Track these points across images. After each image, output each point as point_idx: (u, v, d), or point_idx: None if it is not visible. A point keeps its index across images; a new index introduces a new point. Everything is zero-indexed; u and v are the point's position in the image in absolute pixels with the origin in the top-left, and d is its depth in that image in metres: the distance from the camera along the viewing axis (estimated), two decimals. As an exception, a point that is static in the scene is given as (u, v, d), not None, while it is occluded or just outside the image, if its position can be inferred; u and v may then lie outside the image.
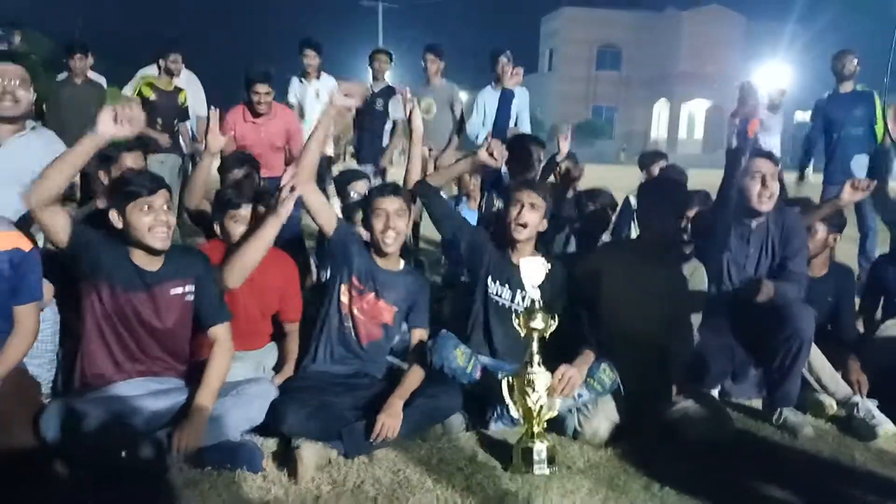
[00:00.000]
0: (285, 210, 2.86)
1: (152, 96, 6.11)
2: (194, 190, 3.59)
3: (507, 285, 3.20)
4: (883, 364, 3.36)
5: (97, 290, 2.63)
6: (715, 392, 3.28)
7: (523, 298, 3.10)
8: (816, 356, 3.23)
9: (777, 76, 30.93)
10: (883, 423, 3.02)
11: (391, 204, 3.04)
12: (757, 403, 3.30)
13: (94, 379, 2.65)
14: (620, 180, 7.41)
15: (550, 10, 45.96)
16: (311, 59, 6.34)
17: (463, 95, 7.43)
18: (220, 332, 2.82)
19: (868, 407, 3.11)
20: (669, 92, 42.25)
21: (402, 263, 3.21)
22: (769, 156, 3.32)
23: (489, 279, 3.22)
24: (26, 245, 2.65)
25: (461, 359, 2.91)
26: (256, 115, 5.03)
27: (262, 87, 4.95)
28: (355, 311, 3.07)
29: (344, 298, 3.07)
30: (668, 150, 37.25)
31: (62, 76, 6.44)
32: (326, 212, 3.07)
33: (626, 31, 43.87)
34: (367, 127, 6.51)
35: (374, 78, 6.59)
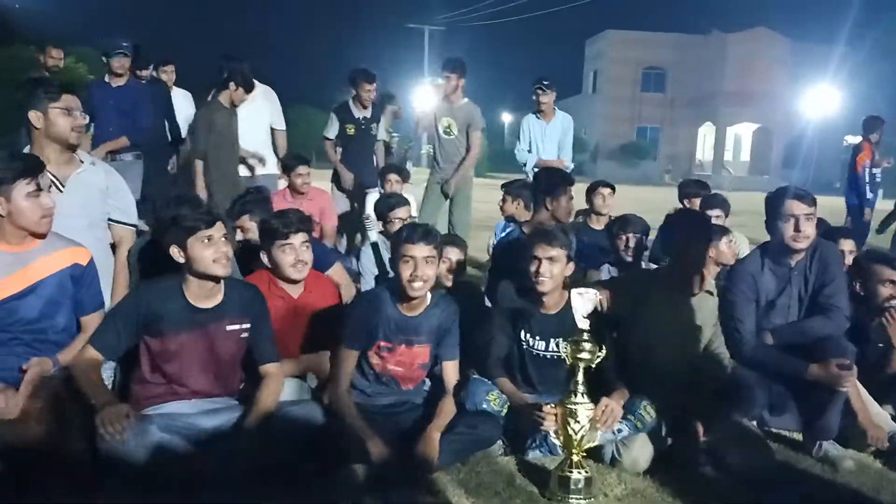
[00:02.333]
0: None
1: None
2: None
3: (538, 336, 3.18)
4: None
5: (151, 337, 2.74)
6: (753, 423, 3.27)
7: (557, 345, 3.12)
8: (859, 389, 3.19)
9: (824, 99, 30.43)
10: (928, 460, 2.97)
11: (420, 251, 2.92)
12: (797, 435, 3.27)
13: (149, 400, 2.76)
14: (664, 202, 7.37)
15: (595, 32, 45.95)
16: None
17: (507, 117, 7.55)
18: (272, 370, 2.90)
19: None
20: (715, 114, 41.73)
21: (428, 297, 3.09)
22: (802, 196, 3.23)
23: (522, 332, 3.21)
24: (84, 259, 2.83)
25: (495, 403, 2.98)
26: (296, 194, 5.47)
27: (303, 170, 5.44)
28: (391, 367, 3.06)
29: (375, 360, 3.05)
30: (714, 172, 36.91)
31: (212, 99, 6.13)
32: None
33: (670, 52, 43.56)
34: (362, 152, 6.57)
35: (363, 104, 6.49)
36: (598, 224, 5.34)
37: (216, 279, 2.77)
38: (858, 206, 7.92)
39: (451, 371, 3.12)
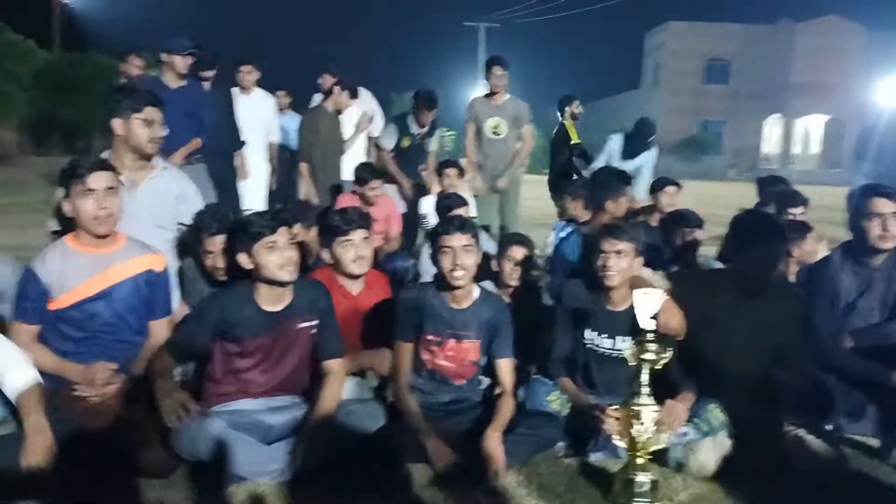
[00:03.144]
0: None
1: None
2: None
3: (604, 334, 3.14)
4: None
5: (224, 341, 2.81)
6: (829, 427, 3.16)
7: (622, 343, 3.06)
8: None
9: (903, 88, 29.04)
10: None
11: (458, 241, 2.95)
12: (874, 441, 3.14)
13: (219, 395, 2.84)
14: (729, 198, 7.15)
15: (655, 24, 45.04)
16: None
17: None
18: (336, 367, 2.95)
19: None
20: (782, 106, 40.37)
21: (475, 291, 3.12)
22: (889, 194, 3.12)
23: (586, 330, 3.17)
24: (159, 266, 2.95)
25: (556, 404, 2.96)
26: (367, 203, 5.41)
27: (375, 183, 5.39)
28: (441, 363, 3.08)
29: (425, 357, 3.08)
30: (781, 165, 35.73)
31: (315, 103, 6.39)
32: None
33: (735, 43, 42.31)
34: (413, 164, 6.49)
35: (420, 123, 6.32)
36: None
37: (283, 284, 2.81)
38: None
39: (505, 370, 3.09)
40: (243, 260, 2.80)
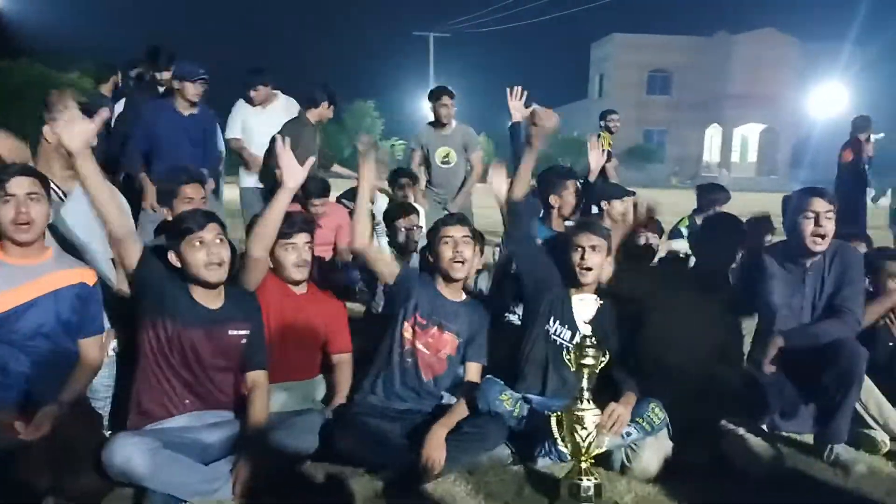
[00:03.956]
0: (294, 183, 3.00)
1: None
2: (265, 236, 3.02)
3: (566, 325, 3.18)
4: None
5: (157, 324, 2.72)
6: (764, 426, 3.24)
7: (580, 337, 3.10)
8: (871, 391, 3.15)
9: (832, 99, 30.33)
10: (942, 462, 2.94)
11: (458, 231, 3.12)
12: (808, 438, 3.23)
13: (150, 412, 2.74)
14: (673, 205, 7.33)
15: (600, 36, 45.98)
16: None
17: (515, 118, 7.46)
18: (261, 378, 2.89)
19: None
20: (721, 115, 41.66)
21: (464, 294, 3.26)
22: (822, 192, 3.24)
23: (551, 319, 3.20)
24: (91, 279, 2.83)
25: (508, 403, 2.96)
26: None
27: (318, 201, 5.11)
28: (419, 346, 3.13)
29: (407, 334, 3.13)
30: (720, 173, 36.76)
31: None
32: (386, 262, 3.22)
33: (676, 55, 43.53)
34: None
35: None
36: None
37: (210, 285, 2.75)
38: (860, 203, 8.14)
39: (474, 374, 3.18)
40: (172, 258, 2.74)
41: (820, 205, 3.19)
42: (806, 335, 3.21)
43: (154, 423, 2.72)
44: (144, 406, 2.75)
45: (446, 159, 6.16)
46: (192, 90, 5.04)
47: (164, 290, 2.72)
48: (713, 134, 43.86)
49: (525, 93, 3.82)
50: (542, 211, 4.39)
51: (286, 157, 3.01)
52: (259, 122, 5.88)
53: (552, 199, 4.28)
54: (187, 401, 2.77)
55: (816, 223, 3.17)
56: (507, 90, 3.84)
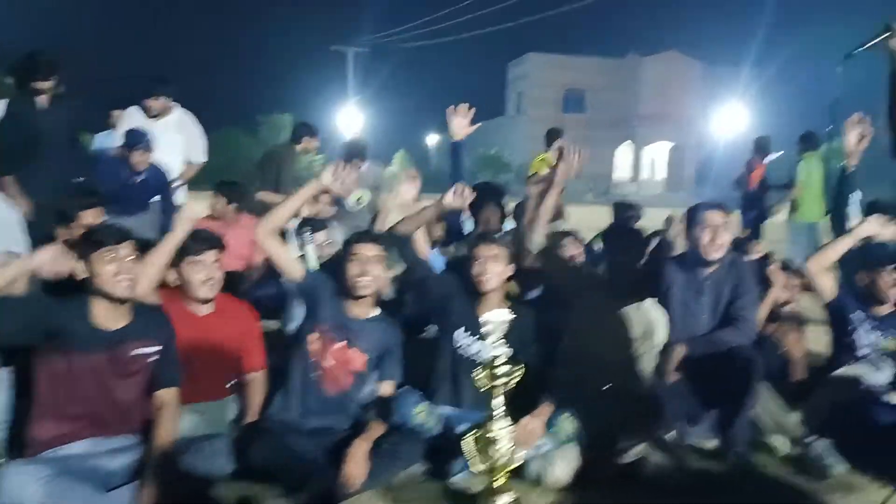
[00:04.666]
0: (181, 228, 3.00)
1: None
2: (149, 275, 2.95)
3: (475, 337, 3.21)
4: (838, 403, 3.46)
5: (51, 357, 2.59)
6: (671, 435, 3.35)
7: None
8: (769, 397, 3.31)
9: (735, 118, 32.01)
10: (836, 464, 3.09)
11: (368, 250, 3.09)
12: (712, 445, 3.34)
13: (47, 440, 2.60)
14: (588, 220, 7.55)
15: (517, 55, 47.01)
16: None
17: (432, 138, 7.55)
18: (170, 397, 2.79)
19: (822, 447, 3.16)
20: (633, 134, 43.33)
21: (376, 310, 3.24)
22: (719, 206, 3.44)
23: (460, 331, 3.23)
24: None
25: (422, 416, 2.95)
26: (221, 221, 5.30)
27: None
28: (325, 360, 3.08)
29: (314, 346, 3.09)
30: (632, 189, 38.13)
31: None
32: (289, 258, 3.14)
33: (590, 75, 45.04)
34: None
35: None
36: None
37: (118, 300, 2.65)
38: (758, 220, 8.53)
39: (387, 391, 3.14)
40: (79, 268, 2.62)
41: (716, 218, 3.37)
42: (706, 343, 3.36)
43: (51, 450, 2.57)
44: (41, 433, 2.60)
45: (359, 200, 6.20)
46: (138, 157, 5.07)
47: (53, 327, 2.57)
48: (625, 152, 45.48)
49: (472, 109, 3.78)
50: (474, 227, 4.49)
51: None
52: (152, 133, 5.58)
53: (476, 214, 4.33)
54: (87, 427, 2.64)
55: (713, 234, 3.34)
56: (451, 107, 3.78)
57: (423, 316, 3.76)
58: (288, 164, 6.55)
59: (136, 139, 5.07)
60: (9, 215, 3.45)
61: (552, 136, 8.14)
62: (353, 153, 6.32)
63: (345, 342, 3.10)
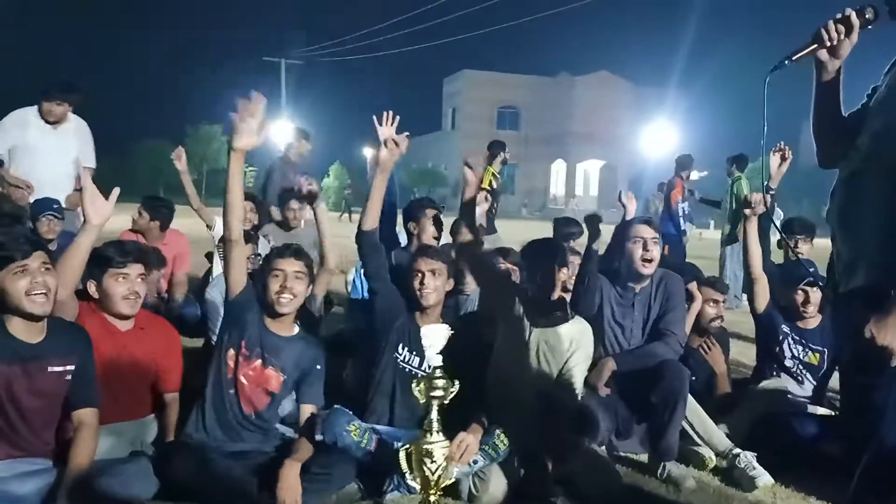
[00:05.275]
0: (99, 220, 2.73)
1: None
2: (66, 276, 2.67)
3: (414, 352, 3.18)
4: (762, 415, 3.56)
5: None
6: (602, 448, 3.37)
7: (429, 366, 3.08)
8: (696, 411, 3.38)
9: (663, 137, 33.12)
10: (762, 475, 3.16)
11: (290, 265, 2.99)
12: (643, 457, 3.40)
13: None
14: (523, 235, 7.65)
15: (452, 71, 47.48)
16: None
17: (368, 151, 7.49)
18: (88, 417, 2.64)
19: (748, 459, 3.24)
20: (566, 151, 44.28)
21: (295, 329, 3.14)
22: (649, 221, 3.54)
23: (399, 345, 3.20)
24: None
25: (355, 433, 2.88)
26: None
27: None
28: (241, 378, 2.98)
29: (230, 363, 2.98)
30: (565, 205, 38.92)
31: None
32: (241, 272, 3.01)
33: (523, 93, 45.88)
34: None
35: None
36: None
37: (34, 317, 2.49)
38: (676, 236, 8.86)
39: (307, 415, 3.02)
40: None
41: (646, 231, 3.45)
42: (635, 357, 3.42)
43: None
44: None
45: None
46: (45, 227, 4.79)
47: None
48: (558, 169, 46.42)
49: (396, 117, 3.71)
50: (406, 239, 4.44)
51: (90, 191, 2.71)
52: (48, 141, 5.34)
53: (411, 226, 4.31)
54: None
55: (644, 248, 3.41)
56: (375, 117, 3.72)
57: (362, 332, 3.68)
58: (277, 177, 6.58)
59: (44, 207, 4.77)
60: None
61: (495, 148, 8.14)
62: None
63: (260, 361, 3.00)
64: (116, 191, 2.82)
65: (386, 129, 3.57)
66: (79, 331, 2.74)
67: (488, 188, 7.00)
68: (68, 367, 2.59)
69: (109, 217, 2.74)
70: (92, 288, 2.96)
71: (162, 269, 4.75)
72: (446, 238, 4.31)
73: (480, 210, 3.72)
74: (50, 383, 2.55)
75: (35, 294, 2.44)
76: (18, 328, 2.49)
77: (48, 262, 2.52)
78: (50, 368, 2.55)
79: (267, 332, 3.03)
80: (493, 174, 7.29)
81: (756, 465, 3.21)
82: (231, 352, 2.98)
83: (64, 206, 5.19)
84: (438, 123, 49.43)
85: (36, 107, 5.26)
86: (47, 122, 5.30)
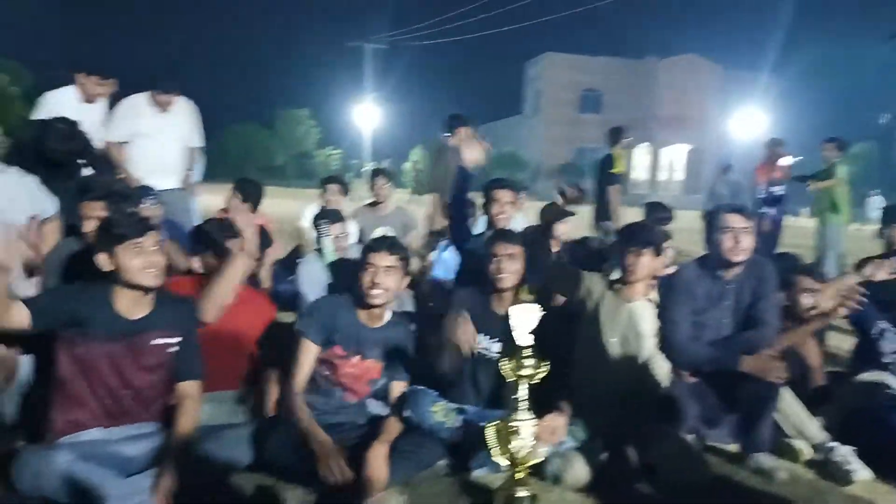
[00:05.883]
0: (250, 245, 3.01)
1: None
2: (216, 297, 3.06)
3: (492, 336, 3.21)
4: (859, 409, 3.43)
5: (72, 342, 2.60)
6: (691, 437, 3.32)
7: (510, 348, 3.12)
8: (791, 402, 3.27)
9: (753, 122, 31.82)
10: (859, 470, 3.04)
11: (382, 260, 3.02)
12: (733, 447, 3.32)
13: (66, 426, 2.61)
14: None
15: (535, 54, 46.84)
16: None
17: (447, 138, 7.45)
18: (192, 389, 2.79)
19: (844, 452, 3.13)
20: (650, 136, 43.02)
21: (387, 315, 3.17)
22: (741, 210, 3.40)
23: (478, 335, 3.21)
24: None
25: (439, 414, 2.94)
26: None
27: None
28: (342, 377, 3.06)
29: (326, 372, 3.06)
30: (650, 191, 37.95)
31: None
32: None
33: (606, 76, 44.78)
34: None
35: None
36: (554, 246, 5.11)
37: (145, 290, 2.66)
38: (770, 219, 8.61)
39: (398, 392, 3.10)
40: (103, 260, 2.62)
41: (737, 220, 3.33)
42: (728, 347, 3.30)
43: (70, 436, 2.58)
44: (60, 420, 2.61)
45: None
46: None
47: (77, 309, 2.59)
48: (642, 153, 45.22)
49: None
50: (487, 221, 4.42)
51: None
52: (160, 125, 5.64)
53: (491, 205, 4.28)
54: (107, 415, 2.65)
55: (735, 238, 3.30)
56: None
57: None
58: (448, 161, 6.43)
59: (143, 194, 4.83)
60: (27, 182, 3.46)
61: (616, 133, 8.21)
62: None
63: (359, 356, 3.06)
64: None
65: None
66: (187, 305, 2.88)
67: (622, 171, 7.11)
68: (172, 340, 2.74)
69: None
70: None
71: (268, 248, 4.90)
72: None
73: None
74: (154, 356, 2.71)
75: (149, 271, 2.61)
76: (125, 303, 2.65)
77: (159, 242, 2.69)
78: (153, 342, 2.70)
79: (362, 328, 3.08)
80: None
81: (853, 459, 3.09)
82: (328, 353, 3.04)
83: (180, 186, 5.57)
84: (519, 107, 48.93)
85: (146, 93, 5.57)
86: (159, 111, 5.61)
